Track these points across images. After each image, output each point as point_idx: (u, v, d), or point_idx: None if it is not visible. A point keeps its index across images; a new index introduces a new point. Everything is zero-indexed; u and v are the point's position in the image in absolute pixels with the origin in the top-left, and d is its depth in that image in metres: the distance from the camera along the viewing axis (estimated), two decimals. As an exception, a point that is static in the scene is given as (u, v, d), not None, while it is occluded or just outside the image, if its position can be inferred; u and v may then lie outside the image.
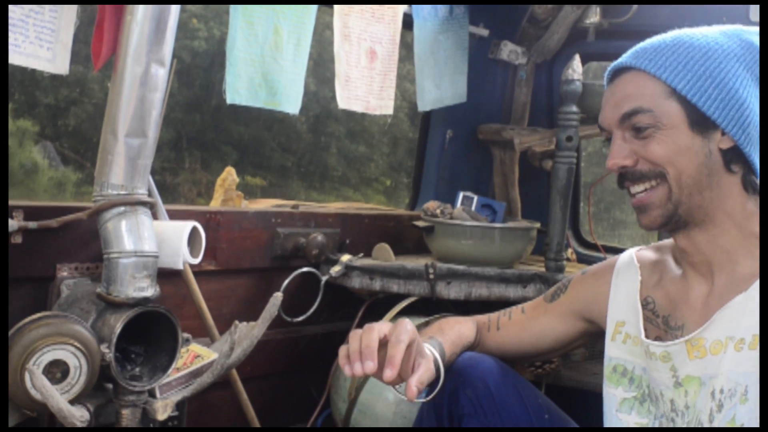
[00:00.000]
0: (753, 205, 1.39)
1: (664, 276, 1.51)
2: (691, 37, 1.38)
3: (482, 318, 1.77)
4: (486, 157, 2.93)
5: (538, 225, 2.49)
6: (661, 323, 1.48)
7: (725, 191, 1.37)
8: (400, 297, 2.30)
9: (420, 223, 2.45)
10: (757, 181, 1.39)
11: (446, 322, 1.71)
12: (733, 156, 1.36)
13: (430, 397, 1.54)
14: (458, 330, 1.67)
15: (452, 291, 2.27)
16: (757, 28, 1.41)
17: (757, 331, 1.30)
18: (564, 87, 2.32)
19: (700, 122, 1.35)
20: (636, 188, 1.41)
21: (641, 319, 1.50)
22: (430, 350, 1.51)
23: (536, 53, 2.82)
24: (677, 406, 1.41)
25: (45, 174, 7.32)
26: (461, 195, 2.59)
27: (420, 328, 2.16)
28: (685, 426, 1.39)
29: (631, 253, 1.61)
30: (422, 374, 1.40)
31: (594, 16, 2.62)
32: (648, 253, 1.59)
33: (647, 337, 1.47)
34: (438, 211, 2.46)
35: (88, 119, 7.80)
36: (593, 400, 1.62)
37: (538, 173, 2.73)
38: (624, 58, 1.42)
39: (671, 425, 1.43)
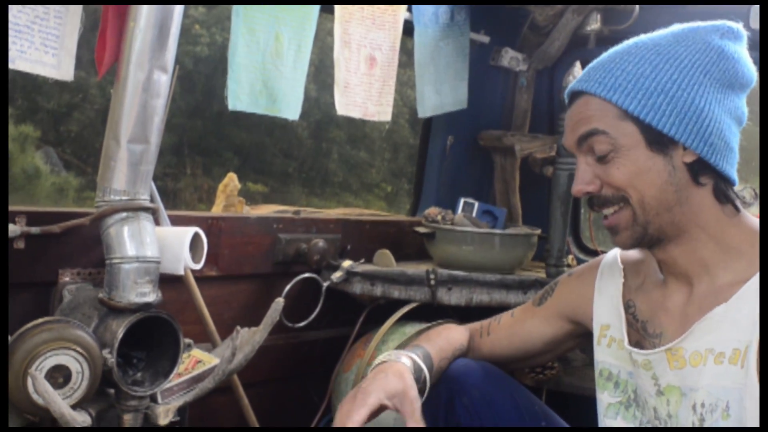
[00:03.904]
0: (728, 214, 1.36)
1: (646, 280, 1.50)
2: (641, 48, 1.35)
3: (475, 325, 1.77)
4: (487, 163, 2.93)
5: (538, 231, 2.50)
6: (640, 328, 1.46)
7: (697, 204, 1.35)
8: (401, 303, 2.31)
9: (421, 229, 2.45)
10: (730, 189, 1.36)
11: (435, 330, 1.71)
12: (700, 168, 1.33)
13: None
14: (446, 336, 1.67)
15: (453, 297, 2.27)
16: (714, 22, 1.36)
17: (737, 345, 1.27)
18: (565, 94, 2.32)
19: (658, 140, 1.32)
20: (605, 211, 1.40)
21: (624, 323, 1.48)
22: (412, 357, 1.52)
23: (537, 60, 2.83)
24: (660, 415, 1.40)
25: (47, 179, 7.32)
26: (462, 201, 2.60)
27: (420, 334, 2.16)
28: None
29: (615, 253, 1.59)
30: None
31: (595, 23, 2.62)
32: (633, 253, 1.56)
33: (630, 342, 1.46)
34: (439, 217, 2.46)
35: (90, 125, 7.82)
36: (594, 406, 1.61)
37: (538, 180, 2.74)
38: (575, 83, 1.42)
39: None
